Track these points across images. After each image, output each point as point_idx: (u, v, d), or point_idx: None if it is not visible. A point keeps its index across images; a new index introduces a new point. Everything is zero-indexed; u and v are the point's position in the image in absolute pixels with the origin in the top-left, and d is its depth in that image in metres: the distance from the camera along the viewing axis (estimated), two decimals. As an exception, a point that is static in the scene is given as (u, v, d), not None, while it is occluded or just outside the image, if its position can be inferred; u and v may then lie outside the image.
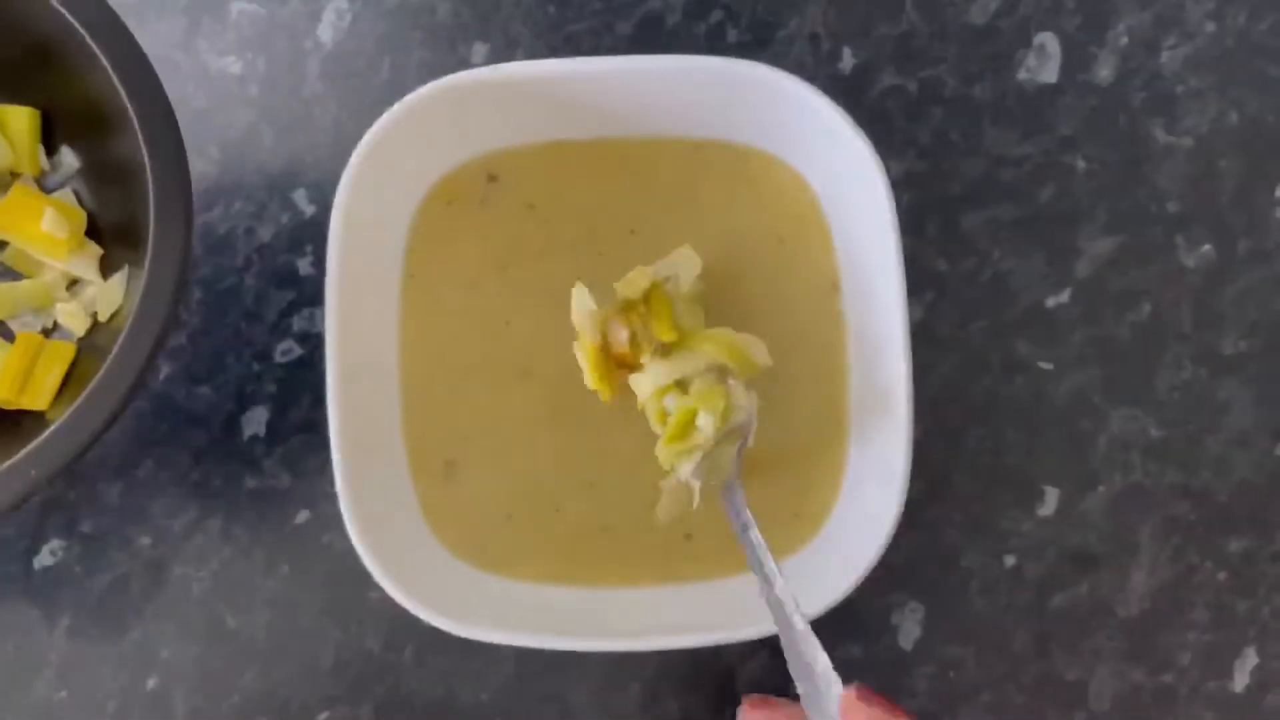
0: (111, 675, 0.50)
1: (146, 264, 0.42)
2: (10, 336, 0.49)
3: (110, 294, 0.48)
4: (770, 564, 0.41)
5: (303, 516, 0.50)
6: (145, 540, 0.50)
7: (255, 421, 0.51)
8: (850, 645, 0.50)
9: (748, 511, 0.43)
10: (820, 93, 0.45)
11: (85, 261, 0.49)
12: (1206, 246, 0.51)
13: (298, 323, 0.51)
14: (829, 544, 0.46)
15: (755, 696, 0.45)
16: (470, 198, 0.48)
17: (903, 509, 0.43)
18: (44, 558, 0.50)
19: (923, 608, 0.50)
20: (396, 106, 0.45)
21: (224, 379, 0.51)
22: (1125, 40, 0.52)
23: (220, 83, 0.52)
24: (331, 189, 0.45)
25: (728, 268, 0.48)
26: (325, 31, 0.52)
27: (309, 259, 0.51)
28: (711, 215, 0.48)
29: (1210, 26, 0.52)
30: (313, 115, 0.52)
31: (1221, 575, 0.50)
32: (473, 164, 0.48)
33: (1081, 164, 0.51)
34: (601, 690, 0.49)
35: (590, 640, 0.44)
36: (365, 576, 0.44)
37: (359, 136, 0.45)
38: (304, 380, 0.51)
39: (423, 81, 0.46)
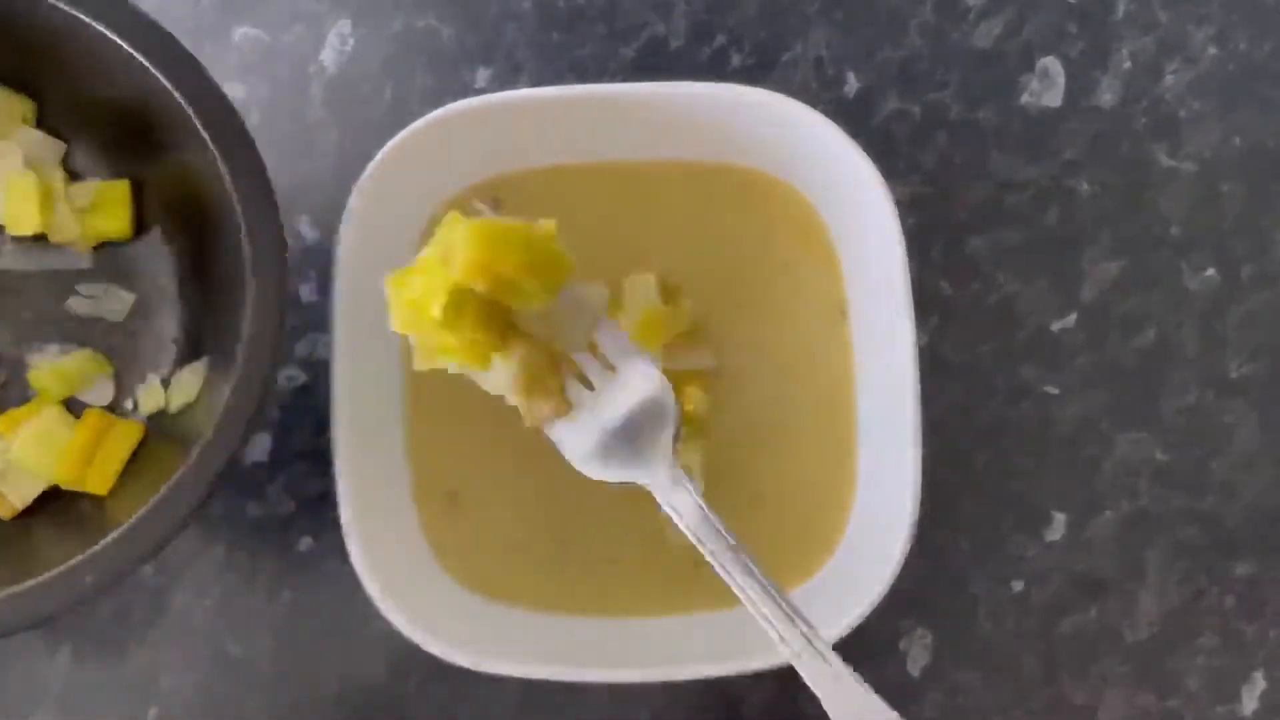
0: (112, 704, 0.49)
1: (238, 369, 0.39)
2: (78, 408, 0.47)
3: (186, 383, 0.46)
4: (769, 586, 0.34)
5: (305, 544, 0.50)
6: (146, 568, 0.50)
7: (258, 448, 0.50)
8: (859, 672, 0.49)
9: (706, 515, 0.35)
10: (824, 117, 0.45)
11: None
12: (1210, 270, 0.51)
13: (300, 349, 0.51)
14: (839, 572, 0.46)
15: None
16: (474, 223, 0.48)
17: (912, 537, 0.43)
18: (44, 586, 0.50)
19: (931, 634, 0.50)
20: (401, 134, 0.45)
21: (226, 405, 0.50)
22: (1128, 65, 0.52)
23: (223, 108, 0.52)
24: (334, 215, 0.45)
25: (733, 292, 0.48)
26: (328, 57, 0.52)
27: (312, 285, 0.51)
28: (717, 239, 0.48)
29: (1213, 51, 0.52)
30: (315, 141, 0.51)
31: (1229, 599, 0.50)
32: (477, 188, 0.48)
33: (1085, 188, 0.51)
34: None
35: (597, 671, 0.44)
36: (369, 605, 0.43)
37: (362, 162, 0.45)
38: (307, 407, 0.50)
39: (426, 107, 0.46)
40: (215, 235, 0.43)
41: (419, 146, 0.45)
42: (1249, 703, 0.50)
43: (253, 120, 0.51)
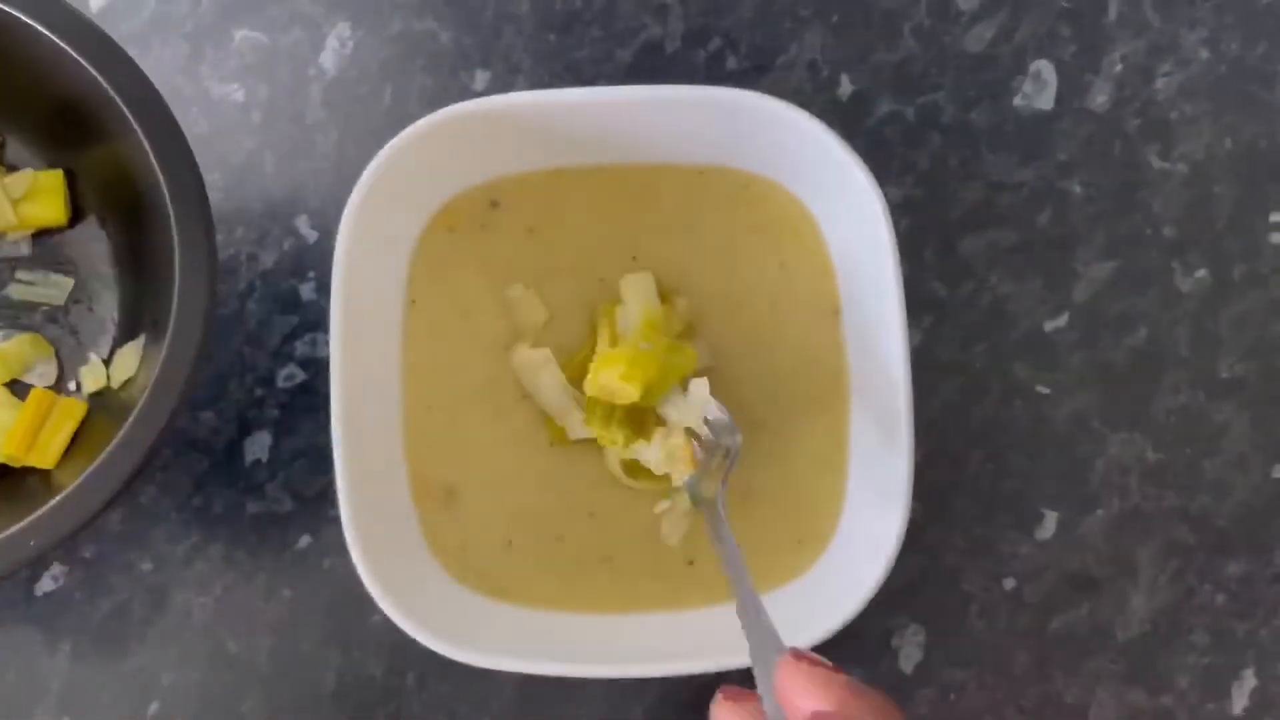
0: (113, 702, 0.50)
1: (167, 342, 0.42)
2: (24, 390, 0.48)
3: (126, 360, 0.48)
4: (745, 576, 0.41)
5: (304, 541, 0.50)
6: (146, 566, 0.50)
7: (257, 446, 0.51)
8: (851, 668, 0.49)
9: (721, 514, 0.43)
10: (819, 121, 0.45)
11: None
12: (1202, 271, 0.52)
13: (300, 348, 0.51)
14: (832, 569, 0.46)
15: (731, 688, 0.44)
16: (472, 224, 0.48)
17: (905, 533, 0.43)
18: (45, 584, 0.50)
19: (923, 630, 0.50)
20: (400, 136, 0.45)
21: (226, 404, 0.51)
22: (1120, 68, 0.52)
23: (223, 109, 0.52)
24: (334, 215, 0.46)
25: (728, 293, 0.48)
26: (327, 59, 0.52)
27: (311, 285, 0.51)
28: (712, 240, 0.48)
29: (1204, 54, 0.52)
30: (315, 142, 0.52)
31: (1220, 598, 0.50)
32: (474, 190, 0.48)
33: (1078, 189, 0.52)
34: (604, 716, 0.49)
35: (592, 666, 0.44)
36: (367, 601, 0.44)
37: (361, 163, 0.45)
38: (306, 405, 0.51)
39: (425, 108, 0.46)
40: (147, 219, 0.44)
41: (418, 149, 0.45)
42: (1239, 700, 0.50)
43: (253, 121, 0.52)
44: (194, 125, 0.52)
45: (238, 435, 0.51)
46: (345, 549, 0.44)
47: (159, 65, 0.52)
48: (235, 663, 0.50)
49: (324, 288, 0.51)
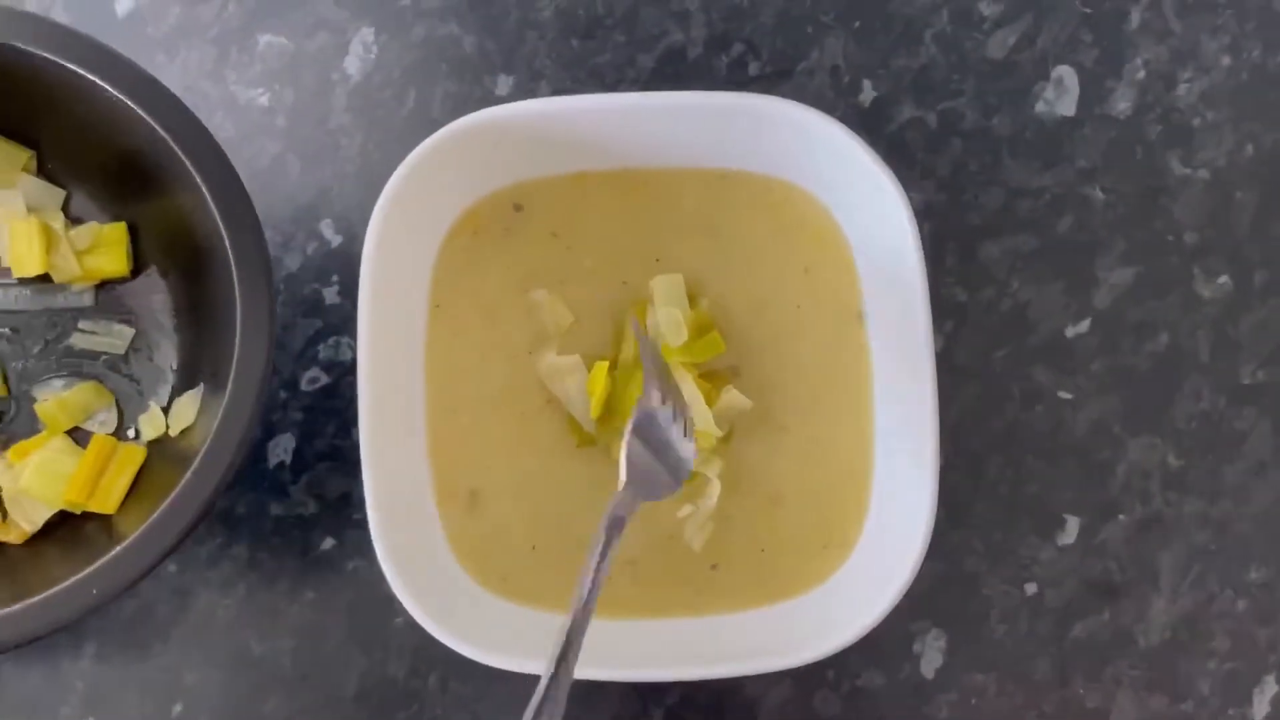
0: (137, 702, 0.50)
1: (227, 395, 0.42)
2: (84, 438, 0.49)
3: (184, 409, 0.48)
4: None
5: (328, 544, 0.51)
6: (171, 567, 0.50)
7: (282, 449, 0.51)
8: (873, 673, 0.50)
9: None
10: (841, 126, 0.45)
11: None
12: (1223, 277, 0.52)
13: (324, 351, 0.51)
14: (856, 574, 0.46)
15: None
16: (495, 227, 0.49)
17: (929, 540, 0.43)
18: (70, 584, 0.50)
19: (945, 635, 0.50)
20: (425, 143, 0.45)
21: (250, 407, 0.51)
22: (1142, 74, 0.52)
23: (248, 113, 0.52)
24: (358, 219, 0.46)
25: (752, 296, 0.48)
26: (352, 64, 0.53)
27: (335, 288, 0.52)
28: (735, 244, 0.49)
29: (1226, 60, 0.53)
30: (339, 146, 0.52)
31: (1241, 604, 0.50)
32: (498, 194, 0.49)
33: (1099, 195, 0.52)
34: (624, 718, 0.50)
35: (614, 670, 0.45)
36: (390, 603, 0.44)
37: (385, 167, 0.46)
38: (330, 408, 0.51)
39: (448, 114, 0.47)
40: (208, 270, 0.45)
41: (443, 154, 0.46)
42: (1260, 706, 0.50)
43: (278, 126, 0.52)
44: (219, 129, 0.52)
45: (262, 438, 0.51)
46: (368, 551, 0.44)
47: (185, 70, 0.52)
48: (258, 664, 0.50)
49: (347, 291, 0.51)
